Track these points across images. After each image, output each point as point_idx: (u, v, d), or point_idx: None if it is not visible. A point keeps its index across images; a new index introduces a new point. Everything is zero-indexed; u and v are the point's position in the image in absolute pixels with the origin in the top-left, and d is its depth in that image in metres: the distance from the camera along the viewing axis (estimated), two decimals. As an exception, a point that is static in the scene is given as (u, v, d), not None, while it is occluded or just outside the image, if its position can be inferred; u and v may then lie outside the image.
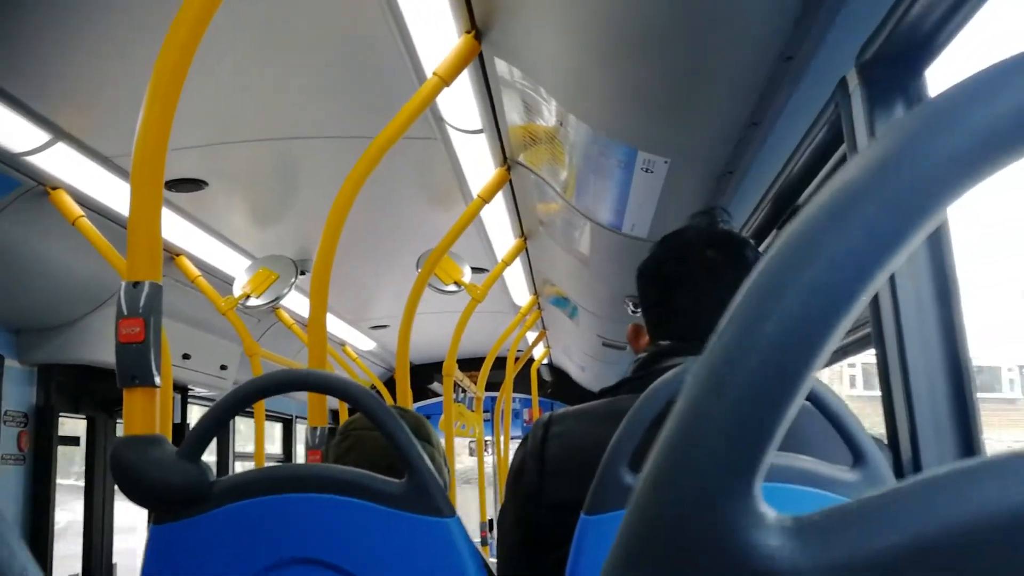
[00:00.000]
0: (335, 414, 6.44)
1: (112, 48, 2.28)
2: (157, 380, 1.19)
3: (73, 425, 4.05)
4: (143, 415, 1.18)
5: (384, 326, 6.03)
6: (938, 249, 1.23)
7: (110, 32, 2.22)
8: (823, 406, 1.04)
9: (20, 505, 3.51)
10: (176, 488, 1.13)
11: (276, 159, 3.20)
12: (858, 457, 1.03)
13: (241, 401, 1.15)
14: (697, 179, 2.25)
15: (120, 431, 4.30)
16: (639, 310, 3.99)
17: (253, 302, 3.74)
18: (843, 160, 1.61)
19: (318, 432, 1.96)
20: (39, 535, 3.58)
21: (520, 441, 1.31)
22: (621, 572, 0.27)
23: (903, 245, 0.25)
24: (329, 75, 2.58)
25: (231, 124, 2.86)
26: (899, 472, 1.13)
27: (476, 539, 5.17)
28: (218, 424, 1.15)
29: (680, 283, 1.26)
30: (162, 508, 1.15)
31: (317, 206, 3.73)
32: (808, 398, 1.03)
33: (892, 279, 1.22)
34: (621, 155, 2.26)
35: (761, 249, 2.26)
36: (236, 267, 3.97)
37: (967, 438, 1.13)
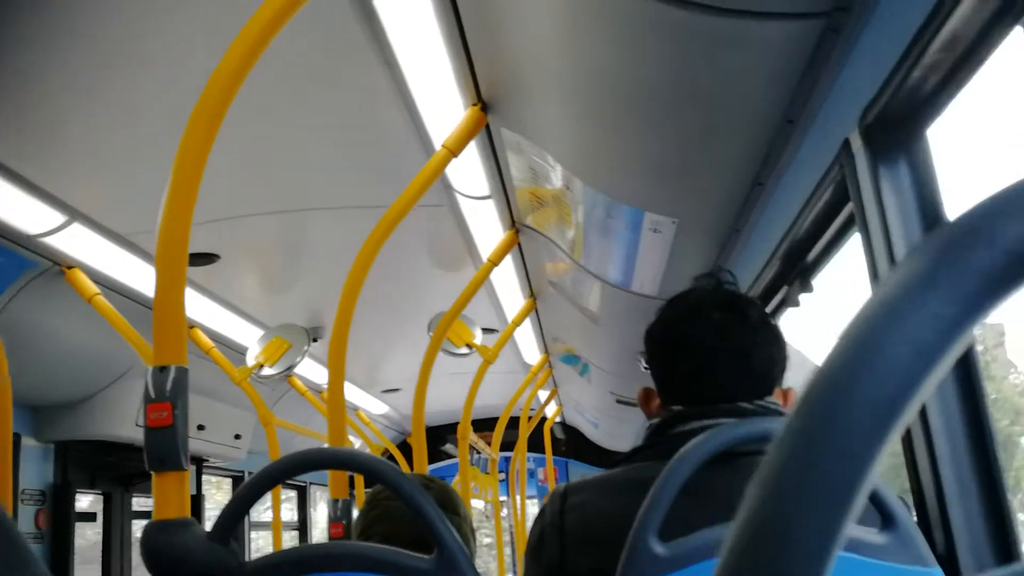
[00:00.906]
0: (351, 480, 6.40)
1: (126, 131, 2.34)
2: (185, 463, 1.20)
3: (88, 501, 4.04)
4: (171, 499, 1.19)
5: (396, 390, 6.03)
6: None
7: (123, 116, 2.27)
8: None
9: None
10: (207, 571, 1.14)
11: (287, 230, 3.24)
12: (887, 519, 1.03)
13: (269, 481, 1.16)
14: (705, 238, 2.27)
15: (135, 504, 4.28)
16: (647, 367, 3.95)
17: (267, 371, 3.76)
18: (851, 219, 1.63)
19: (339, 504, 1.96)
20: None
21: (538, 512, 1.31)
22: None
23: (946, 354, 0.27)
24: (339, 148, 2.63)
25: (243, 197, 2.91)
26: (927, 532, 1.13)
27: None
28: (247, 505, 1.16)
29: (688, 345, 1.27)
30: (192, 592, 1.15)
31: (328, 274, 3.77)
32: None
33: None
34: (628, 216, 2.30)
35: (769, 308, 2.28)
36: (249, 337, 3.99)
37: (993, 497, 1.13)
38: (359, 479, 5.44)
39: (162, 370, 1.20)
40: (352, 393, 5.74)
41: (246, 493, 1.16)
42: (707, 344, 1.25)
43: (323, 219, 3.15)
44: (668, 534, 1.07)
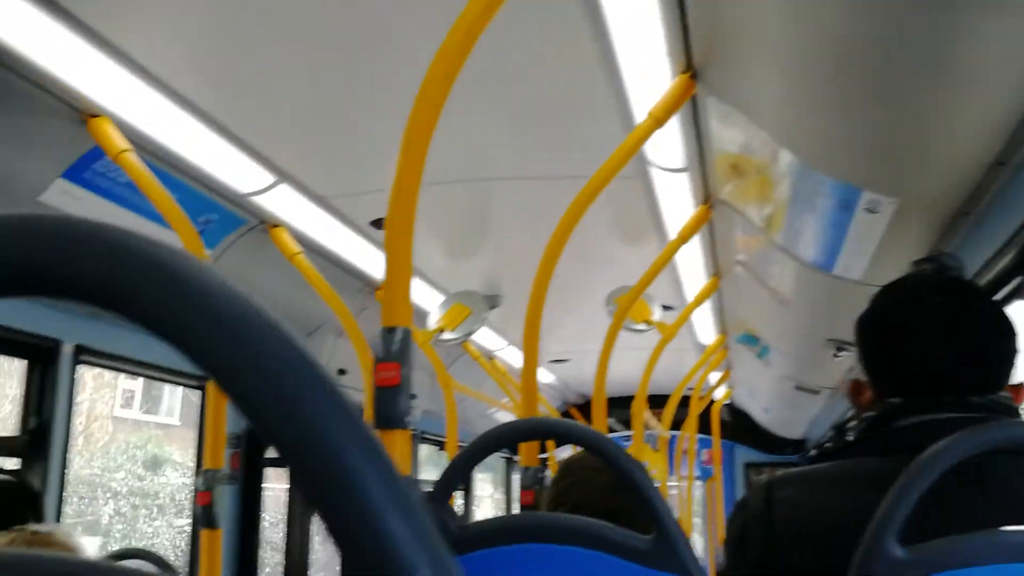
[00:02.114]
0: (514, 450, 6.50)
1: (334, 100, 2.42)
2: (409, 422, 1.22)
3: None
4: (397, 456, 1.22)
5: (564, 360, 6.04)
6: None
7: (332, 86, 2.35)
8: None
9: (232, 521, 3.73)
10: (425, 531, 1.15)
11: (475, 198, 3.28)
12: None
13: (489, 448, 1.16)
14: (926, 221, 2.12)
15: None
16: (841, 354, 3.79)
17: (447, 336, 3.84)
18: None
19: (530, 472, 1.97)
20: (249, 549, 3.79)
21: (736, 505, 1.25)
22: None
23: None
24: (533, 118, 2.63)
25: (434, 165, 2.94)
26: None
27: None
28: (468, 467, 1.17)
29: (908, 334, 1.17)
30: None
31: (511, 243, 3.80)
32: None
33: None
34: (841, 194, 2.17)
35: (998, 298, 2.11)
36: (429, 302, 4.09)
37: None
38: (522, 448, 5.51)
39: (390, 331, 1.22)
40: (518, 359, 5.80)
41: (468, 456, 1.17)
42: (931, 333, 1.15)
43: (512, 188, 3.16)
44: (910, 539, 1.00)
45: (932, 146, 1.82)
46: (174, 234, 2.30)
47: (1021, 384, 1.16)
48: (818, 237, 2.56)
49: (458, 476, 1.16)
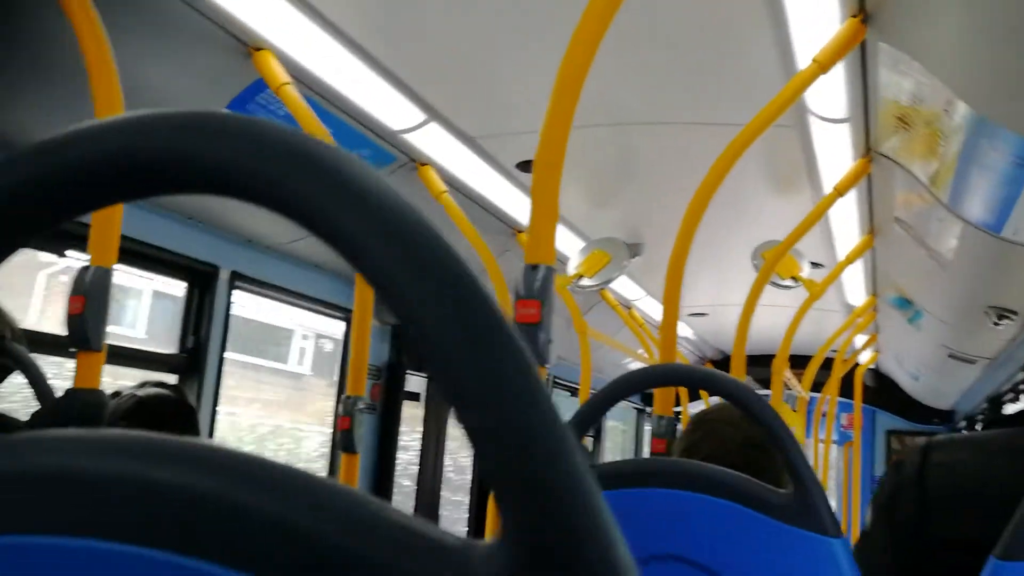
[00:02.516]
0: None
1: (484, 38, 2.42)
2: (548, 359, 1.22)
3: (415, 382, 4.42)
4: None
5: (703, 314, 5.94)
6: None
7: (482, 24, 2.34)
8: None
9: (370, 450, 3.89)
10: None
11: (622, 144, 3.23)
12: None
13: (628, 389, 1.16)
14: (1115, 181, 1.94)
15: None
16: (1002, 323, 3.59)
17: (585, 282, 3.83)
18: None
19: (663, 421, 1.96)
20: (385, 475, 3.95)
21: (890, 466, 1.20)
22: None
23: None
24: (689, 63, 2.55)
25: (581, 108, 2.91)
26: None
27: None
28: (602, 410, 1.16)
29: None
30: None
31: (655, 191, 3.73)
32: None
33: None
34: (1018, 149, 2.01)
35: None
36: (569, 246, 4.08)
37: None
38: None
39: (533, 268, 1.23)
40: (656, 310, 5.74)
41: (605, 396, 1.16)
42: None
43: (660, 135, 3.09)
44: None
45: None
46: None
47: None
48: (988, 196, 2.40)
49: (592, 416, 1.16)
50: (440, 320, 0.29)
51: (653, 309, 5.68)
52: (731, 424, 1.66)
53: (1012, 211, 2.36)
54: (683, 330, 6.40)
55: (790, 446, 1.10)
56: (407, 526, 0.30)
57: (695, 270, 5.07)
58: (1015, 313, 3.26)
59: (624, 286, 4.98)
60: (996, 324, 3.38)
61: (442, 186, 3.14)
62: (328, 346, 5.07)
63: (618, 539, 0.29)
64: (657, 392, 2.01)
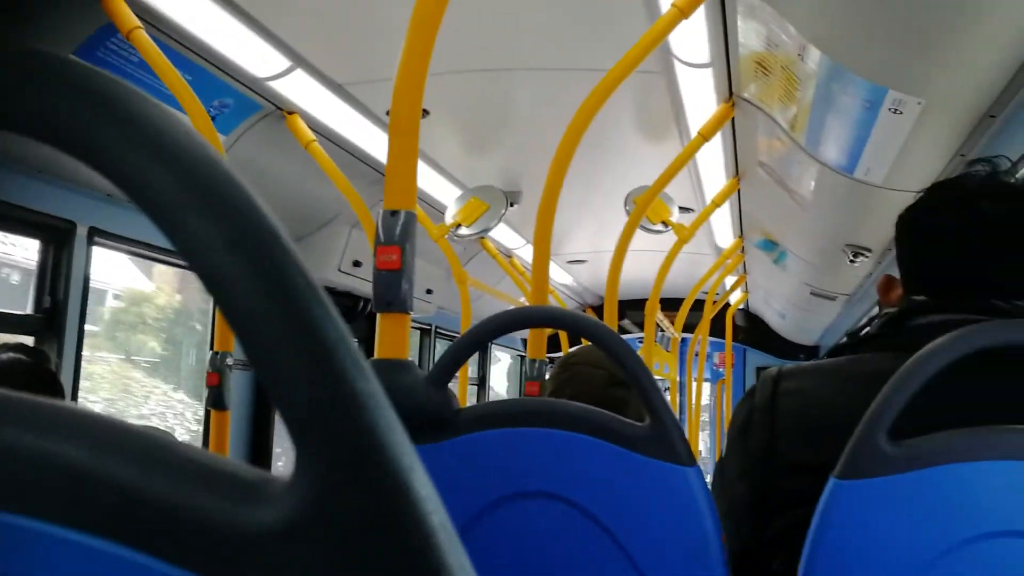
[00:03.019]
0: (524, 344, 6.58)
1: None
2: (409, 306, 1.22)
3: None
4: (395, 340, 1.23)
5: (581, 261, 6.04)
6: None
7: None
8: None
9: (247, 408, 3.82)
10: (424, 413, 1.17)
11: (494, 90, 3.22)
12: None
13: (492, 333, 1.17)
14: (952, 123, 2.06)
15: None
16: (857, 260, 3.78)
17: (464, 231, 3.83)
18: None
19: (536, 364, 1.99)
20: (262, 435, 3.89)
21: (744, 394, 1.26)
22: None
23: None
24: (555, 6, 2.55)
25: (456, 54, 2.90)
26: None
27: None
28: (468, 352, 1.17)
29: (949, 236, 1.16)
30: (409, 431, 1.19)
31: (531, 139, 3.74)
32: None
33: None
34: (867, 94, 2.11)
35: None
36: (447, 195, 4.07)
37: None
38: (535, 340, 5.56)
39: (393, 214, 1.21)
40: (538, 260, 5.80)
41: (468, 341, 1.17)
42: (970, 235, 1.13)
43: (531, 80, 3.09)
44: (897, 434, 1.00)
45: (960, 43, 1.75)
46: (186, 117, 2.28)
47: None
48: (841, 139, 2.51)
49: (456, 360, 1.17)
50: (225, 261, 0.28)
51: (532, 256, 5.74)
52: (596, 365, 1.71)
53: (863, 153, 2.48)
54: (563, 277, 6.50)
55: (646, 382, 1.14)
56: (203, 463, 0.29)
57: (572, 217, 5.16)
58: (869, 250, 3.45)
59: (504, 235, 5.00)
60: (852, 261, 3.57)
61: (310, 135, 3.07)
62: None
63: (414, 474, 0.29)
64: (530, 336, 2.05)
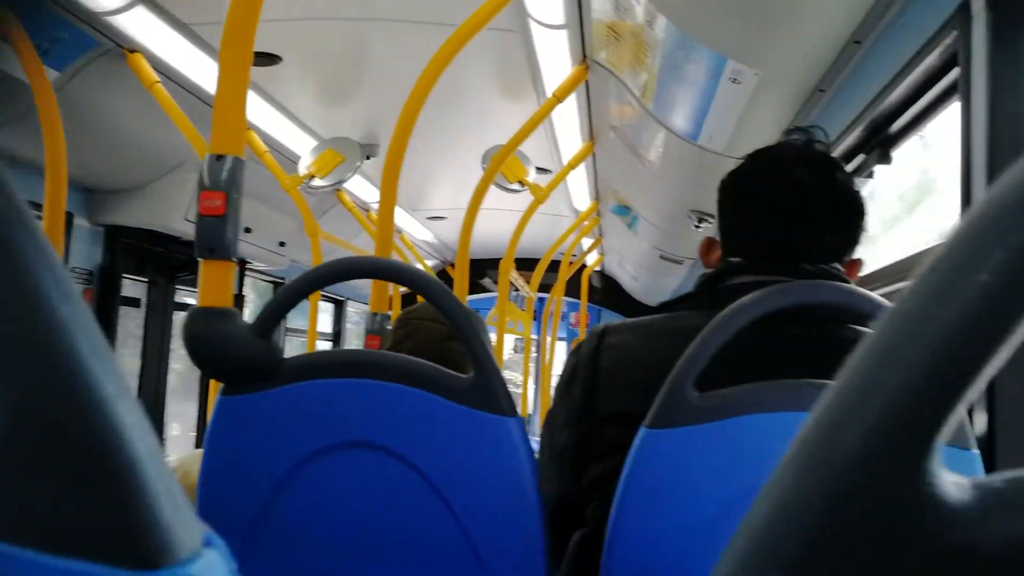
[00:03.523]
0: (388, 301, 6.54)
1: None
2: (234, 254, 1.19)
3: (134, 288, 4.16)
4: (218, 288, 1.19)
5: (442, 218, 6.03)
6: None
7: None
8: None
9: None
10: (246, 362, 1.15)
11: (351, 39, 3.15)
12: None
13: (316, 282, 1.16)
14: (786, 94, 2.16)
15: (179, 297, 4.40)
16: (702, 225, 3.92)
17: (317, 183, 3.74)
18: (953, 88, 1.53)
19: (377, 318, 1.98)
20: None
21: (572, 349, 1.30)
22: (777, 512, 0.25)
23: None
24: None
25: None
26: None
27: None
28: (290, 302, 1.16)
29: (764, 201, 1.21)
30: (231, 380, 1.17)
31: (387, 91, 3.68)
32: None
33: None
34: (709, 62, 2.18)
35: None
36: (302, 146, 3.97)
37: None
38: (397, 300, 5.55)
39: (219, 159, 1.17)
40: (397, 215, 5.75)
41: (292, 290, 1.16)
42: (784, 201, 1.19)
43: (388, 31, 3.04)
44: (706, 386, 1.06)
45: (794, 19, 1.83)
46: (10, 49, 2.13)
47: (858, 260, 1.21)
48: (686, 106, 2.59)
49: (280, 309, 1.15)
50: None
51: (396, 213, 5.68)
52: (435, 320, 1.71)
53: (705, 121, 2.57)
54: (422, 234, 6.47)
55: (471, 334, 1.15)
56: None
57: (432, 173, 5.14)
58: (712, 216, 3.59)
59: (363, 189, 4.93)
60: (697, 227, 3.71)
61: (154, 76, 2.92)
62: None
63: (119, 401, 0.29)
64: (373, 290, 2.03)
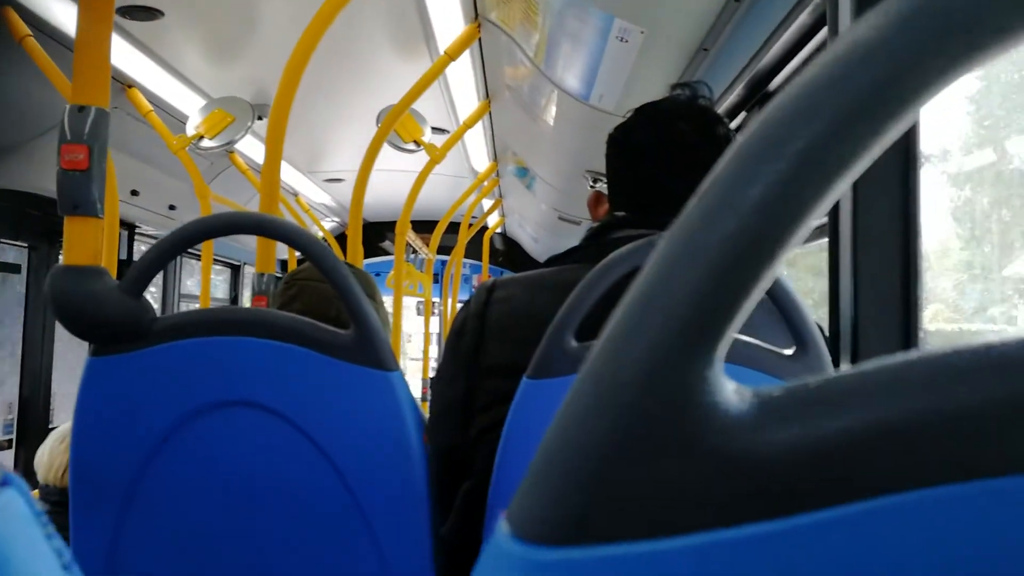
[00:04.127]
0: (284, 265, 6.41)
1: None
2: (99, 210, 1.15)
3: (12, 253, 3.97)
4: (83, 245, 1.15)
5: (339, 180, 5.93)
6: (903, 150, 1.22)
7: None
8: (772, 290, 1.04)
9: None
10: (115, 321, 1.11)
11: (238, -4, 3.05)
12: (802, 344, 1.05)
13: (189, 238, 1.12)
14: (671, 53, 2.19)
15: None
16: (596, 184, 4.01)
17: (206, 143, 3.63)
18: (823, 47, 1.57)
19: (265, 279, 1.94)
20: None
21: (463, 304, 1.31)
22: (570, 430, 0.26)
23: (902, 114, 0.23)
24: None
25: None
26: (836, 362, 1.15)
27: (417, 395, 5.27)
28: (162, 259, 1.12)
29: (648, 154, 1.24)
30: (100, 340, 1.13)
31: (278, 48, 3.58)
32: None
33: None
34: (597, 21, 2.19)
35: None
36: (191, 106, 3.83)
37: (907, 334, 1.15)
38: (292, 262, 5.45)
39: (80, 110, 1.12)
40: (293, 178, 5.63)
41: (164, 246, 1.12)
42: (666, 154, 1.21)
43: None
44: (586, 336, 1.08)
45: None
46: None
47: None
48: (577, 65, 2.60)
49: (151, 266, 1.12)
50: None
51: (290, 175, 5.56)
52: (323, 279, 1.69)
53: (596, 80, 2.58)
54: (320, 196, 6.36)
55: (347, 289, 1.14)
56: None
57: (327, 134, 5.04)
58: (604, 175, 3.63)
59: (256, 150, 4.80)
60: (592, 186, 3.74)
61: (26, 29, 2.76)
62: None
63: None
64: (259, 249, 1.99)
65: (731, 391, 0.25)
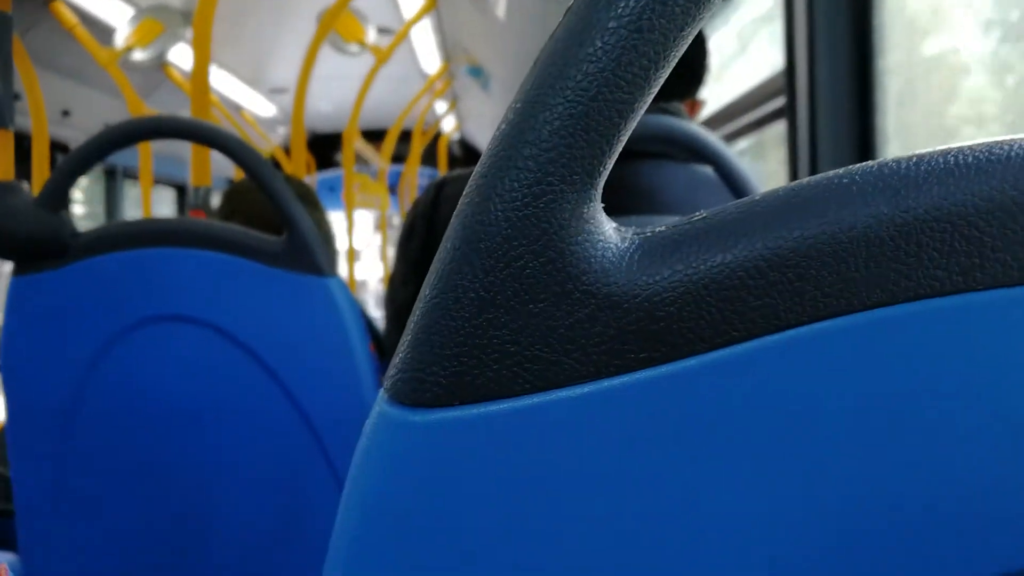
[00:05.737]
0: (230, 183, 6.27)
1: None
2: (8, 121, 1.07)
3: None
4: (-8, 159, 1.08)
5: (284, 90, 5.75)
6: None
7: None
8: (729, 176, 0.99)
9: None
10: (32, 238, 1.05)
11: None
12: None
13: (107, 145, 1.05)
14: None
15: None
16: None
17: (138, 56, 3.46)
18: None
19: (200, 192, 1.87)
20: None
21: (412, 204, 1.26)
22: (442, 282, 0.24)
23: None
24: None
25: None
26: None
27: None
28: (79, 168, 1.05)
29: None
30: (17, 258, 1.07)
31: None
32: (715, 164, 0.99)
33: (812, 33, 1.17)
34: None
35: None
36: (119, 17, 3.64)
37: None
38: (239, 178, 5.30)
39: (-28, 12, 1.03)
40: (236, 90, 5.43)
41: (80, 154, 1.05)
42: None
43: None
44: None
45: None
46: None
47: (698, 101, 1.20)
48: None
49: (68, 176, 1.05)
50: None
51: (233, 88, 5.37)
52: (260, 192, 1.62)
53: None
54: (266, 109, 6.18)
55: (279, 194, 1.09)
56: None
57: (269, 43, 4.85)
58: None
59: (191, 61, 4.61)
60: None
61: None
62: None
63: None
64: (193, 161, 1.91)
65: (611, 229, 0.23)
